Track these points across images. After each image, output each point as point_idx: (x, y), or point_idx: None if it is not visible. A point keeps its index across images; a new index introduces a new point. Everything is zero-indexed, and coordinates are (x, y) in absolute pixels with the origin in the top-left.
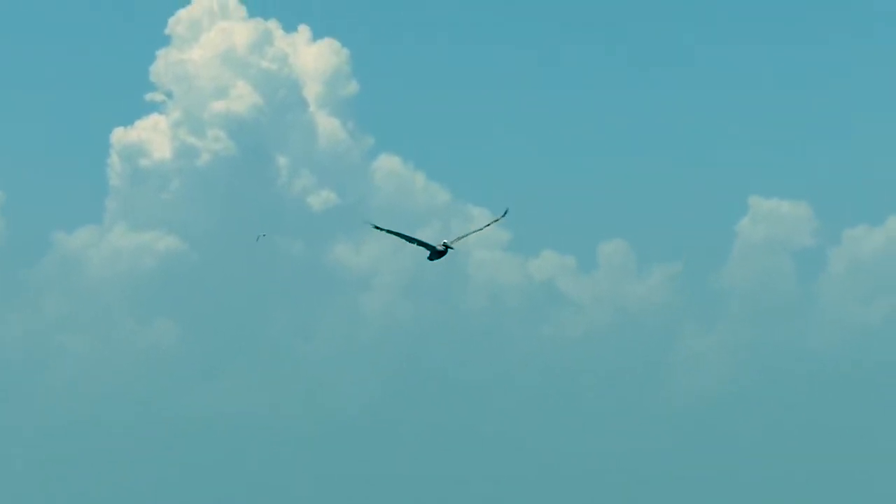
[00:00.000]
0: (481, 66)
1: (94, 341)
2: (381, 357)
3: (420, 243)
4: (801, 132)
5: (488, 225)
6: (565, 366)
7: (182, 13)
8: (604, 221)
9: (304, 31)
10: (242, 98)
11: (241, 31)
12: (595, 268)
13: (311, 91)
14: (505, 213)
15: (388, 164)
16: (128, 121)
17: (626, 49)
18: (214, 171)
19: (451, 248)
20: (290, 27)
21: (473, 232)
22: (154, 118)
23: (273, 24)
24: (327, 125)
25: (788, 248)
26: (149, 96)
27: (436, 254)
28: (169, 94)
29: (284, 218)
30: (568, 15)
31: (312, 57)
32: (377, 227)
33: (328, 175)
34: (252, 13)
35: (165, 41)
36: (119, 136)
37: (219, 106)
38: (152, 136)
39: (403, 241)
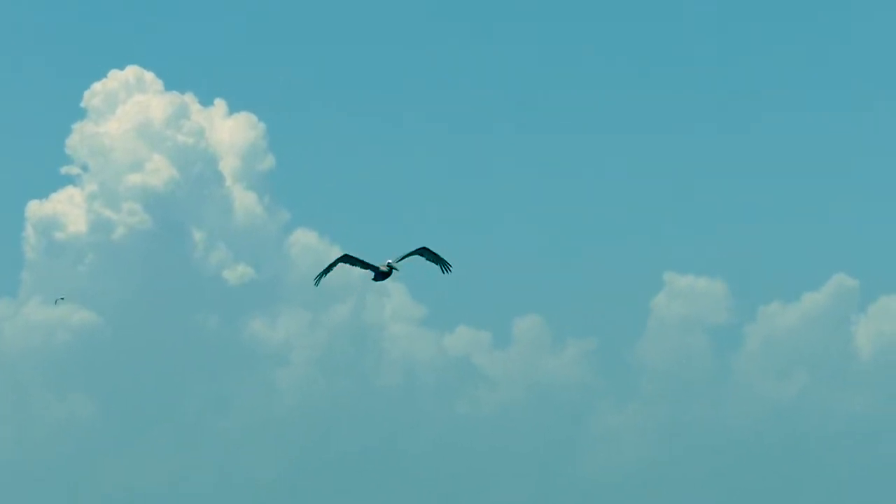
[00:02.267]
0: (396, 139)
1: (9, 414)
2: (295, 431)
3: (364, 265)
4: (716, 209)
5: (411, 254)
6: (481, 441)
7: (97, 86)
8: (519, 297)
9: (220, 104)
10: (159, 172)
11: (157, 104)
12: (510, 343)
13: (228, 165)
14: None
15: (304, 238)
16: (43, 193)
17: (537, 124)
18: (130, 245)
19: (396, 269)
20: (206, 101)
21: (411, 254)
22: (69, 191)
23: (189, 98)
24: (244, 199)
25: (704, 324)
26: (64, 169)
27: (380, 275)
28: (84, 167)
29: (200, 292)
30: (476, 90)
31: (229, 131)
32: (323, 273)
33: (244, 249)
34: (169, 86)
35: (81, 114)
36: (34, 208)
37: (135, 179)
38: (68, 209)
39: (351, 265)
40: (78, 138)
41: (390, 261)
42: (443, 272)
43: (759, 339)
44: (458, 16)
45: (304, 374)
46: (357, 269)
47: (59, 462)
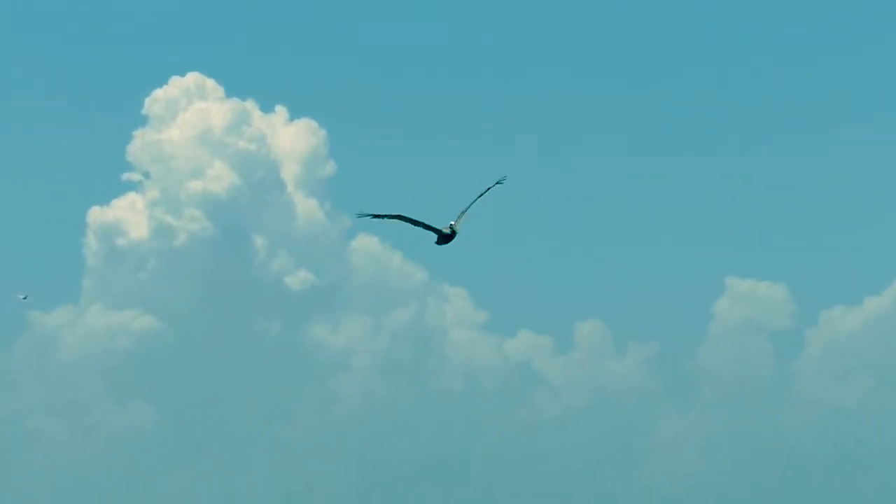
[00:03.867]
0: (457, 147)
1: (70, 423)
2: (357, 437)
3: (425, 226)
4: (778, 213)
5: (488, 189)
6: (542, 447)
7: (159, 93)
8: (580, 301)
9: (281, 111)
10: (220, 178)
11: (218, 111)
12: (572, 348)
13: (289, 171)
14: (502, 179)
15: (365, 244)
16: (104, 200)
17: (602, 134)
18: (191, 251)
19: (457, 231)
20: (267, 107)
21: (472, 204)
22: (131, 197)
23: (250, 105)
24: (305, 205)
25: (765, 329)
26: (125, 176)
27: (443, 238)
28: (146, 174)
29: (262, 298)
30: (538, 103)
31: (290, 137)
32: (373, 216)
33: (306, 255)
34: (229, 93)
35: (142, 121)
36: (96, 215)
37: (196, 186)
38: (129, 215)
39: (407, 224)
40: (139, 145)
41: (452, 222)
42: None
43: (822, 343)
44: (510, 36)
45: (366, 379)
46: (419, 229)
47: (119, 469)
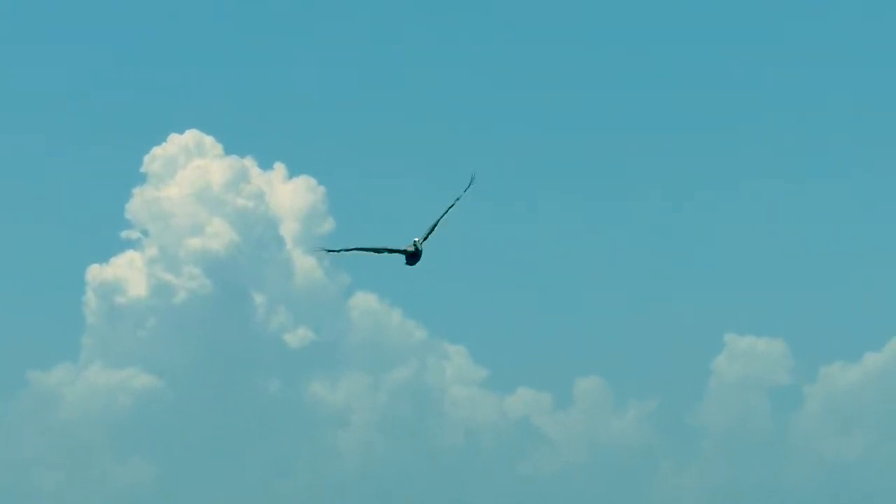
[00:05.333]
0: (457, 207)
1: (70, 480)
2: (357, 494)
3: (388, 251)
4: (776, 269)
5: (452, 206)
6: (541, 503)
7: (157, 150)
8: (580, 358)
9: (279, 168)
10: (219, 235)
11: (217, 168)
12: (571, 404)
13: (288, 228)
14: (470, 182)
15: (364, 301)
16: (103, 258)
17: (597, 186)
18: (191, 309)
19: (420, 248)
20: (266, 164)
21: (439, 219)
22: (130, 255)
23: (249, 162)
24: (304, 263)
25: (764, 385)
26: (124, 234)
27: (410, 256)
28: (145, 232)
29: (261, 355)
30: (533, 159)
31: (289, 194)
32: (330, 251)
33: (305, 312)
34: (228, 150)
35: (141, 179)
36: (95, 273)
37: (195, 243)
38: (128, 273)
39: (370, 253)
40: (138, 203)
41: (416, 239)
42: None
43: (821, 399)
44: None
45: (366, 436)
46: (384, 256)
47: None
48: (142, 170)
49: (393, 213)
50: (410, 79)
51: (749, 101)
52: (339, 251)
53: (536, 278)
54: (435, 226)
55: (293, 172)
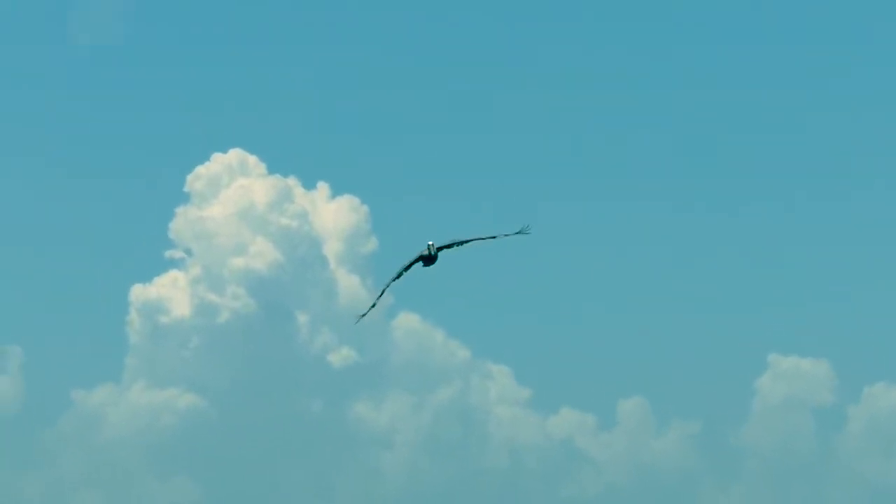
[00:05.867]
0: (501, 219)
1: (113, 499)
2: None
3: (407, 267)
4: (820, 289)
5: (489, 238)
6: None
7: (201, 170)
8: (623, 378)
9: (323, 188)
10: (262, 255)
11: (260, 187)
12: (614, 425)
13: (331, 248)
14: (519, 231)
15: (407, 321)
16: (147, 278)
17: (641, 207)
18: (234, 329)
19: (434, 253)
20: (309, 184)
21: (468, 241)
22: (173, 275)
23: (293, 181)
24: (347, 282)
25: (808, 405)
26: (168, 253)
27: (428, 260)
28: (188, 251)
29: (305, 375)
30: (577, 182)
31: (332, 214)
32: (369, 310)
33: (348, 332)
34: (271, 170)
35: (185, 198)
36: (138, 293)
37: (238, 263)
38: (172, 293)
39: (397, 280)
40: (182, 222)
41: (430, 242)
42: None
43: (864, 419)
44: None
45: (409, 457)
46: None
47: None
48: (185, 189)
49: (435, 232)
50: (452, 100)
51: (798, 121)
52: (373, 305)
53: (580, 299)
54: (461, 244)
55: (336, 192)
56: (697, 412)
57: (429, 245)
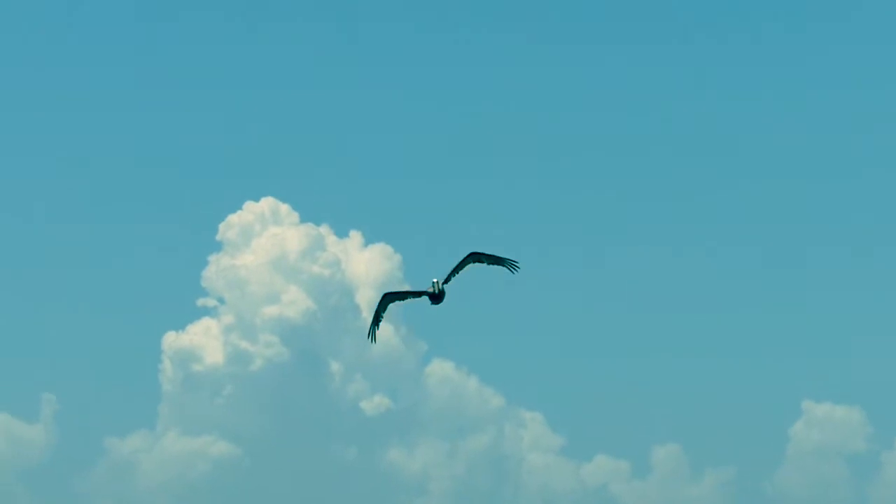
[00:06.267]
0: (535, 271)
1: None
2: None
3: (413, 294)
4: (853, 336)
5: (495, 261)
6: None
7: (233, 218)
8: (657, 425)
9: (355, 236)
10: (295, 303)
11: (292, 236)
12: (649, 472)
13: (364, 296)
14: (512, 266)
15: (441, 368)
16: (179, 325)
17: (670, 249)
18: (267, 376)
19: (441, 290)
20: (342, 232)
21: (462, 265)
22: (206, 323)
23: (325, 230)
24: (380, 331)
25: (842, 452)
26: (200, 301)
27: (434, 297)
28: (221, 300)
29: (338, 423)
30: (607, 221)
31: (364, 262)
32: (376, 326)
33: (381, 380)
34: (304, 218)
35: (217, 247)
36: (171, 340)
37: (271, 311)
38: (204, 340)
39: (401, 301)
40: (214, 270)
41: (435, 279)
42: (511, 272)
43: None
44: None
45: None
46: (410, 300)
47: None
48: (217, 237)
49: (468, 280)
50: (486, 148)
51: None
52: (377, 325)
53: (613, 345)
54: (458, 270)
55: (369, 240)
56: (732, 459)
57: (434, 282)
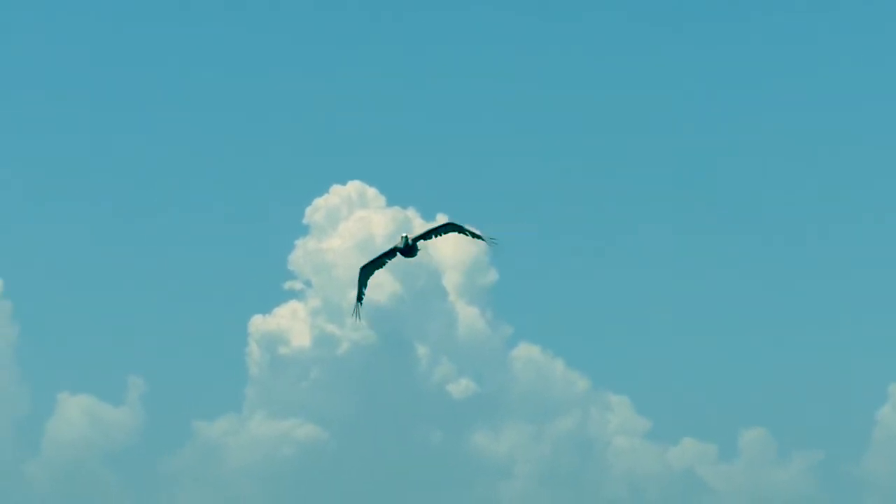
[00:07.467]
0: (621, 252)
1: None
2: None
3: (386, 255)
4: None
5: (475, 236)
6: None
7: (320, 202)
8: (744, 409)
9: (442, 219)
10: (382, 286)
11: (379, 219)
12: (735, 456)
13: (451, 280)
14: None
15: (527, 352)
16: (266, 309)
17: (762, 234)
18: (354, 360)
19: (411, 243)
20: (428, 216)
21: (435, 230)
22: (293, 306)
23: (412, 213)
24: (467, 314)
25: None
26: (287, 284)
27: (404, 252)
28: (307, 283)
29: (424, 406)
30: (699, 207)
31: (451, 245)
32: (361, 295)
33: (468, 363)
34: (391, 202)
35: (304, 230)
36: (258, 324)
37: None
38: (291, 324)
39: (379, 268)
40: (301, 254)
41: (405, 234)
42: (489, 243)
43: None
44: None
45: (528, 488)
46: (387, 263)
47: None
48: (304, 221)
49: (555, 264)
50: (574, 132)
51: None
52: (360, 301)
53: (701, 329)
54: (430, 233)
55: None
56: (818, 443)
57: (403, 237)
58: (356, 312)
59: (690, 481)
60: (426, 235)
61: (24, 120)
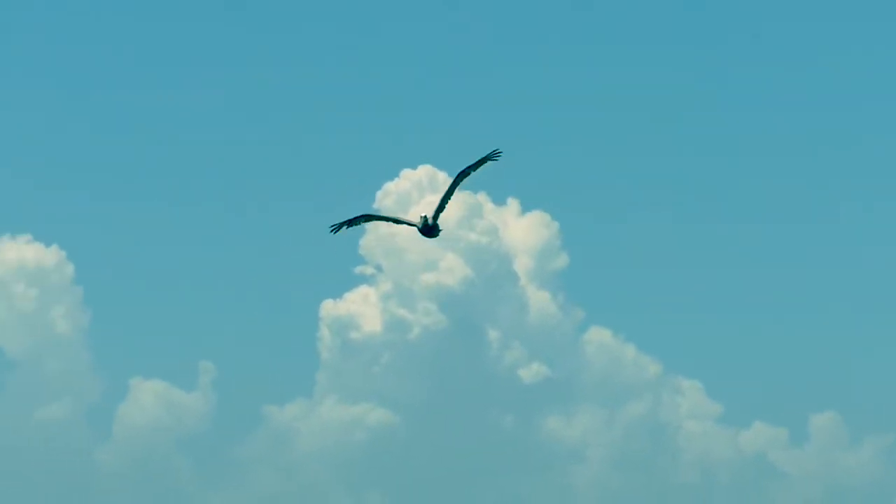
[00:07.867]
0: (693, 241)
1: None
2: None
3: (396, 221)
4: None
5: (480, 163)
6: None
7: (390, 186)
8: (815, 393)
9: (513, 204)
10: (452, 271)
11: (450, 204)
12: (806, 440)
13: (522, 264)
14: (486, 158)
15: (598, 336)
16: (337, 294)
17: (833, 221)
18: (425, 344)
19: (431, 224)
20: (499, 200)
21: (452, 187)
22: (364, 290)
23: (482, 198)
24: (538, 298)
25: None
26: (358, 269)
27: (424, 231)
28: (378, 268)
29: (495, 391)
30: (770, 190)
31: (522, 230)
32: (337, 227)
33: (539, 348)
34: (462, 186)
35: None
36: (328, 308)
37: (428, 279)
38: (362, 308)
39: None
40: (372, 238)
41: (424, 214)
42: (495, 158)
43: None
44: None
45: (600, 471)
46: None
47: None
48: (374, 205)
49: (626, 248)
50: (641, 116)
51: None
52: (346, 224)
53: (770, 313)
54: (444, 200)
55: (526, 208)
56: (890, 427)
57: (424, 216)
58: (335, 229)
59: (761, 466)
60: (442, 204)
61: (117, 116)
